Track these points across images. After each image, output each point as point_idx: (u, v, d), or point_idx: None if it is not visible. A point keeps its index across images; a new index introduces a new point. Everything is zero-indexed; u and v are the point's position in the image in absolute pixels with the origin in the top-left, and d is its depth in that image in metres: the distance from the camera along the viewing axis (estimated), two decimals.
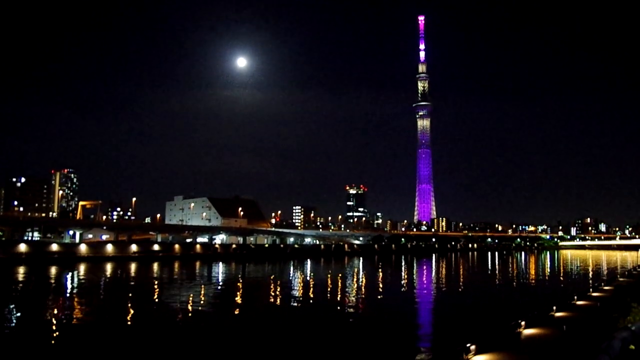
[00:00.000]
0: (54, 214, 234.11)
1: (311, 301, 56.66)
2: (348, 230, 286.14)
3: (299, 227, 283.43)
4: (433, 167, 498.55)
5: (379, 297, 63.22)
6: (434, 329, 40.60)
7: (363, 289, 70.14)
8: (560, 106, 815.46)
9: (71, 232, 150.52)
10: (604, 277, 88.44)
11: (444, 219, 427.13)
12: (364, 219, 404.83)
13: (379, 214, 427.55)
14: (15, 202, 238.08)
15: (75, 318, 43.20)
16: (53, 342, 33.54)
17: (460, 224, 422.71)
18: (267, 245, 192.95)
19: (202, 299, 58.28)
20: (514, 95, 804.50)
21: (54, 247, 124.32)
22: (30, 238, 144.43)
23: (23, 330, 38.22)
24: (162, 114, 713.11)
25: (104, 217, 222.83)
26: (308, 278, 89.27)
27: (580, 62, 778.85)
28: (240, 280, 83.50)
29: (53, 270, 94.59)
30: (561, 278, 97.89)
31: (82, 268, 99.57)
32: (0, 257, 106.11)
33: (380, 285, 77.98)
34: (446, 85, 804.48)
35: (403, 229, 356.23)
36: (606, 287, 49.57)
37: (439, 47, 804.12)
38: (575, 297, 39.10)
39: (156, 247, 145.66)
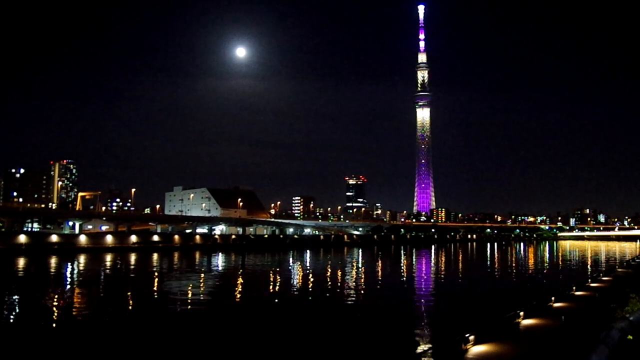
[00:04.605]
0: (54, 205, 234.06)
1: (310, 291, 56.82)
2: (347, 221, 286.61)
3: (299, 218, 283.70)
4: (432, 158, 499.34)
5: (378, 287, 63.36)
6: (433, 319, 40.72)
7: (362, 280, 70.31)
8: (560, 97, 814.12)
9: (70, 223, 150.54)
10: (602, 267, 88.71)
11: (443, 209, 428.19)
12: (363, 209, 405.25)
13: (378, 204, 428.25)
14: (15, 193, 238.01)
15: (75, 308, 43.26)
16: (53, 332, 33.65)
17: (460, 215, 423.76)
18: (266, 236, 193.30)
19: (202, 289, 58.41)
20: (513, 86, 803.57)
21: (54, 238, 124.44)
22: (29, 229, 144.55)
23: (24, 320, 38.32)
24: (161, 104, 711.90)
25: (104, 208, 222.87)
26: (307, 268, 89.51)
27: (580, 52, 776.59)
28: (240, 271, 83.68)
29: (53, 261, 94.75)
30: (560, 268, 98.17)
31: (81, 259, 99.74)
32: (0, 248, 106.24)
33: (380, 276, 78.18)
34: (446, 75, 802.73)
35: (402, 220, 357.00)
36: (605, 278, 49.67)
37: (440, 36, 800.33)
38: (574, 288, 39.20)
39: (156, 237, 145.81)
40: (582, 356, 9.96)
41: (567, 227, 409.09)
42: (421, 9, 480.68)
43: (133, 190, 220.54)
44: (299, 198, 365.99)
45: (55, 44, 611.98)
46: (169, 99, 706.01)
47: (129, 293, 53.82)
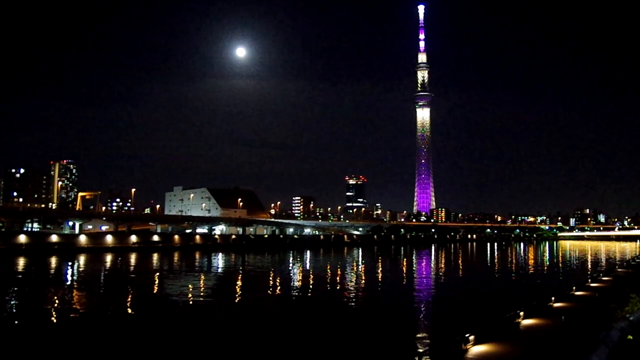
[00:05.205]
0: (54, 205, 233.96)
1: (310, 291, 56.80)
2: (347, 221, 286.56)
3: (299, 218, 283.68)
4: (432, 158, 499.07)
5: (378, 287, 63.38)
6: (433, 319, 40.73)
7: (362, 280, 70.32)
8: (560, 97, 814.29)
9: (70, 223, 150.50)
10: (602, 267, 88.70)
11: (443, 209, 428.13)
12: (363, 209, 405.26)
13: (378, 204, 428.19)
14: (15, 193, 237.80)
15: (75, 308, 43.28)
16: (53, 332, 33.65)
17: (460, 215, 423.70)
18: (266, 236, 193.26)
19: (202, 289, 58.43)
20: (513, 86, 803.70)
21: (54, 238, 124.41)
22: (29, 229, 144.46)
23: (24, 321, 38.30)
24: (161, 105, 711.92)
25: (104, 208, 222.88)
26: (307, 269, 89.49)
27: (580, 52, 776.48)
28: (240, 271, 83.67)
29: (53, 261, 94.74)
30: (560, 269, 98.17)
31: (81, 259, 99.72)
32: (0, 248, 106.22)
33: (380, 276, 78.16)
34: (446, 76, 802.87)
35: (402, 220, 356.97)
36: (605, 278, 49.65)
37: (440, 36, 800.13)
38: (574, 288, 39.20)
39: (156, 237, 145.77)
40: (582, 356, 9.93)
41: (567, 227, 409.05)
42: (421, 9, 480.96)
43: (133, 190, 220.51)
44: (299, 198, 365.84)
45: (55, 44, 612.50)
46: (169, 99, 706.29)
47: (129, 293, 53.81)
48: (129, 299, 49.48)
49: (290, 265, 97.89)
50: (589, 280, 47.24)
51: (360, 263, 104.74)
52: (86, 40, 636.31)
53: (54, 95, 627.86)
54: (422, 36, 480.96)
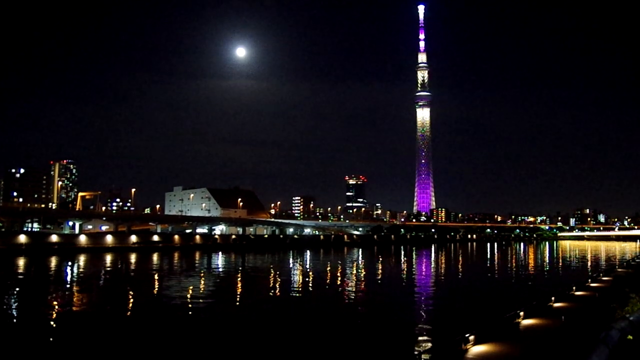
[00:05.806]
0: (54, 205, 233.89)
1: (310, 291, 56.81)
2: (347, 221, 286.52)
3: (299, 218, 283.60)
4: (432, 158, 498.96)
5: (378, 287, 63.38)
6: (433, 319, 40.71)
7: (362, 280, 70.33)
8: (560, 97, 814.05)
9: (70, 223, 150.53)
10: (602, 267, 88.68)
11: (443, 209, 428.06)
12: (363, 209, 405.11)
13: (378, 204, 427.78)
14: (15, 193, 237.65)
15: (75, 309, 43.26)
16: (53, 332, 33.64)
17: (460, 215, 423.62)
18: (266, 236, 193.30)
19: (202, 289, 58.40)
20: (513, 86, 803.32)
21: (54, 238, 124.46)
22: (29, 229, 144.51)
23: (23, 321, 38.30)
24: (161, 105, 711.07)
25: (104, 208, 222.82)
26: (307, 268, 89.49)
27: (579, 52, 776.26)
28: (240, 271, 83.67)
29: (53, 261, 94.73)
30: (560, 269, 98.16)
31: (81, 259, 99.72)
32: (0, 248, 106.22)
33: (380, 276, 78.17)
34: (446, 76, 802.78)
35: (402, 220, 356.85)
36: (605, 278, 49.67)
37: (440, 36, 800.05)
38: (574, 288, 39.20)
39: (156, 237, 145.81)
40: (582, 356, 9.95)
41: (567, 227, 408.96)
42: (421, 9, 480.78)
43: (133, 190, 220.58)
44: (299, 198, 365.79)
45: (55, 44, 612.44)
46: (169, 99, 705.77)
47: (128, 293, 53.79)
48: (129, 299, 49.46)
49: (291, 265, 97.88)
50: (589, 280, 47.23)
51: (360, 263, 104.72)
52: (86, 39, 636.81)
53: (53, 95, 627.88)
54: (422, 36, 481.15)
